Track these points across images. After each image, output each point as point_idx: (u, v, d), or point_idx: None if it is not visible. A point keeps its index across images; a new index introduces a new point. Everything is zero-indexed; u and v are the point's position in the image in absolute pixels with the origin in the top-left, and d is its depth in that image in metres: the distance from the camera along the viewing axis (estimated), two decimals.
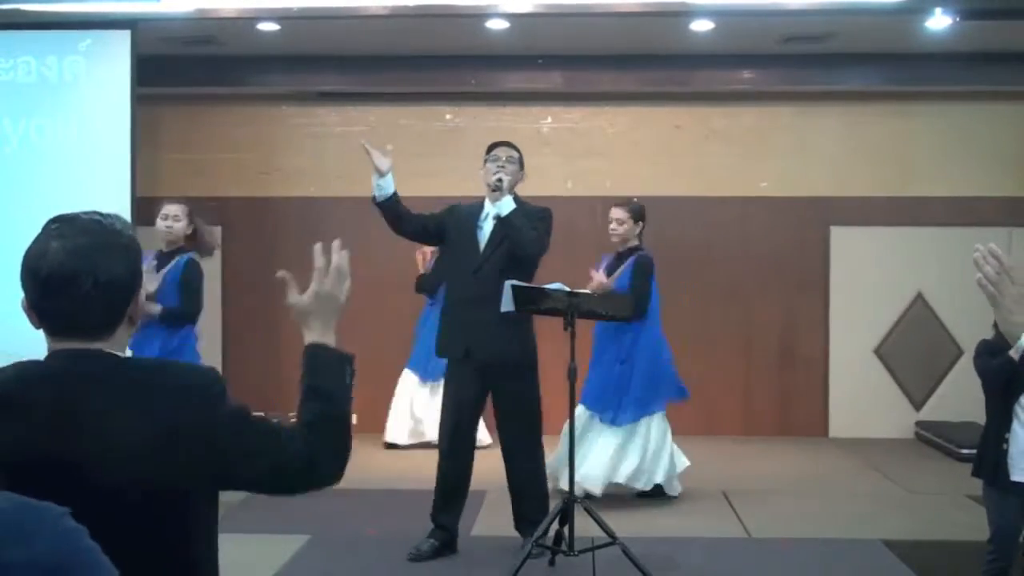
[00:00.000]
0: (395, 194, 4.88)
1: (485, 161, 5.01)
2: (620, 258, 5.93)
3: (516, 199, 4.91)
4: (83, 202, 6.51)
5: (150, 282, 5.32)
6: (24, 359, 1.73)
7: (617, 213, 5.93)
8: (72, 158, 6.74)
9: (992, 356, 3.94)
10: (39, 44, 6.78)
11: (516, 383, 4.91)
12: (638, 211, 5.95)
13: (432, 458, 7.13)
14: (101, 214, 1.75)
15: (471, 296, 4.82)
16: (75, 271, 1.66)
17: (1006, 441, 3.89)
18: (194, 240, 5.60)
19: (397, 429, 7.63)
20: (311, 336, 1.88)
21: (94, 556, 1.14)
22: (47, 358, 1.71)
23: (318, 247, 1.90)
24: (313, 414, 1.81)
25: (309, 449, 1.78)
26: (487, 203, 4.97)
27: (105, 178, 6.72)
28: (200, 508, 1.74)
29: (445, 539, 4.98)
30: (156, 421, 1.65)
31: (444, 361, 5.19)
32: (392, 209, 4.91)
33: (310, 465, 1.78)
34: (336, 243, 1.92)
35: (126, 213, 6.71)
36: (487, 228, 4.92)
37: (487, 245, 4.90)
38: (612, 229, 5.93)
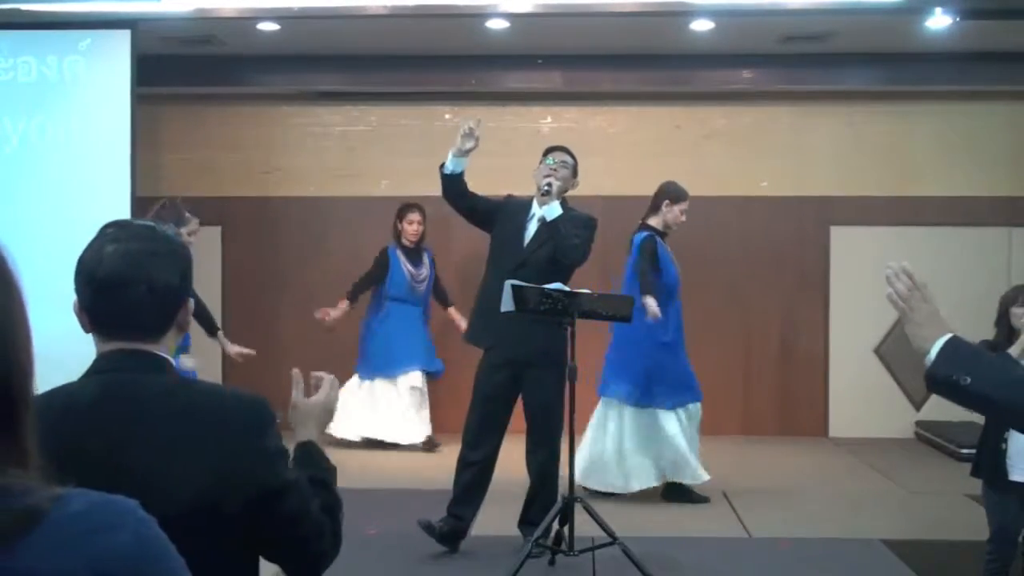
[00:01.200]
0: (463, 172, 5.08)
1: (540, 162, 5.17)
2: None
3: (564, 204, 5.03)
4: (83, 202, 6.52)
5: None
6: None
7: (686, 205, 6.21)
8: (72, 158, 6.74)
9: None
10: (39, 44, 6.78)
11: (539, 381, 4.95)
12: None
13: (433, 457, 7.17)
14: (154, 221, 1.81)
15: None
16: (130, 277, 1.69)
17: (1005, 441, 3.91)
18: None
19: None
20: (306, 435, 1.97)
21: (167, 543, 1.20)
22: (96, 364, 1.74)
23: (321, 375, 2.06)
24: (324, 501, 1.86)
25: (316, 519, 1.82)
26: (535, 203, 5.10)
27: (105, 178, 6.72)
28: (234, 542, 1.72)
29: (455, 528, 4.99)
30: (201, 450, 1.66)
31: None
32: (456, 183, 5.09)
33: (323, 532, 1.82)
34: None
35: (126, 213, 6.71)
36: (532, 228, 5.06)
37: (530, 244, 5.03)
38: (684, 220, 6.21)
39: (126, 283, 1.69)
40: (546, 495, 5.01)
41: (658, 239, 6.08)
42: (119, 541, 1.13)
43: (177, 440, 1.66)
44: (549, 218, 4.94)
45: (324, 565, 1.84)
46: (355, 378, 7.54)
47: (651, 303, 5.70)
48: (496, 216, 5.16)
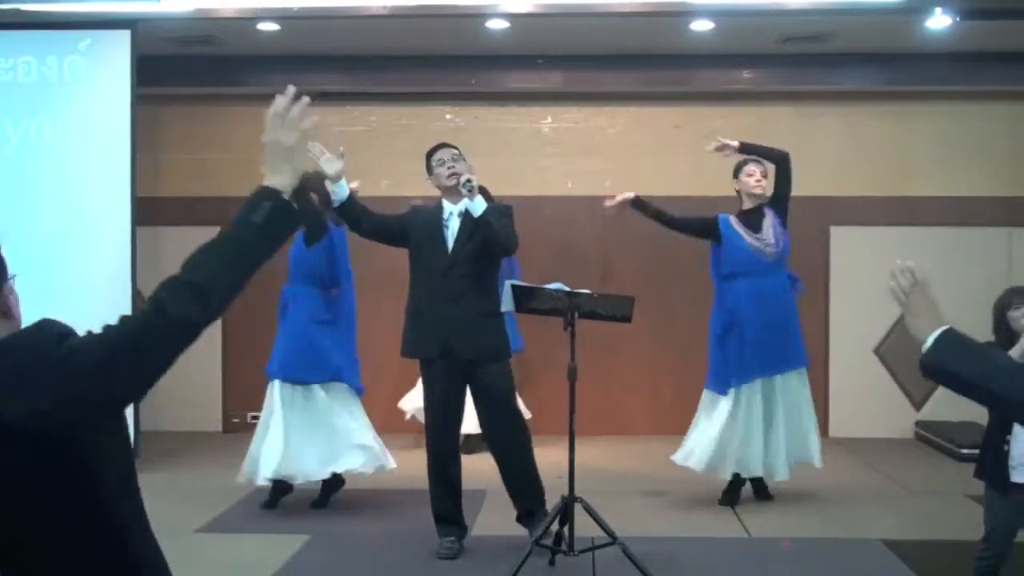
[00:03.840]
0: (351, 196, 4.93)
1: (432, 167, 5.05)
2: (757, 215, 6.12)
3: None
4: (83, 202, 6.53)
5: None
6: None
7: (757, 168, 6.11)
8: (72, 158, 6.75)
9: None
10: (39, 44, 6.79)
11: (494, 375, 4.94)
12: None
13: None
14: None
15: (443, 295, 4.87)
16: None
17: (1007, 443, 3.92)
18: None
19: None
20: (275, 180, 1.88)
21: None
22: None
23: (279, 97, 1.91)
24: (211, 241, 1.80)
25: (184, 277, 1.75)
26: (446, 203, 5.03)
27: (105, 178, 6.73)
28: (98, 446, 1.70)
29: (462, 534, 5.06)
30: (23, 395, 1.63)
31: None
32: (349, 211, 4.97)
33: (177, 290, 1.73)
34: (291, 88, 1.92)
35: (126, 213, 6.73)
36: (453, 226, 4.98)
37: (455, 243, 4.94)
38: (757, 182, 6.10)
39: None
40: (533, 484, 5.01)
41: (726, 218, 6.07)
42: None
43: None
44: (477, 213, 4.81)
45: (207, 311, 1.77)
46: None
47: None
48: (409, 228, 5.05)
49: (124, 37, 6.78)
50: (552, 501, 4.89)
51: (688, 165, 8.35)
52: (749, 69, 8.06)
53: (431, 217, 5.04)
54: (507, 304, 4.69)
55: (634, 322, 4.80)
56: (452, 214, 4.99)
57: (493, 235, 4.82)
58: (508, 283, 4.69)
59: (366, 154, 8.45)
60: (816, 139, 8.37)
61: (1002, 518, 4.03)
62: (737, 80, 8.13)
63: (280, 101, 1.88)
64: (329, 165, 4.85)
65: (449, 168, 4.95)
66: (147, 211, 7.28)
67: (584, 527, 4.54)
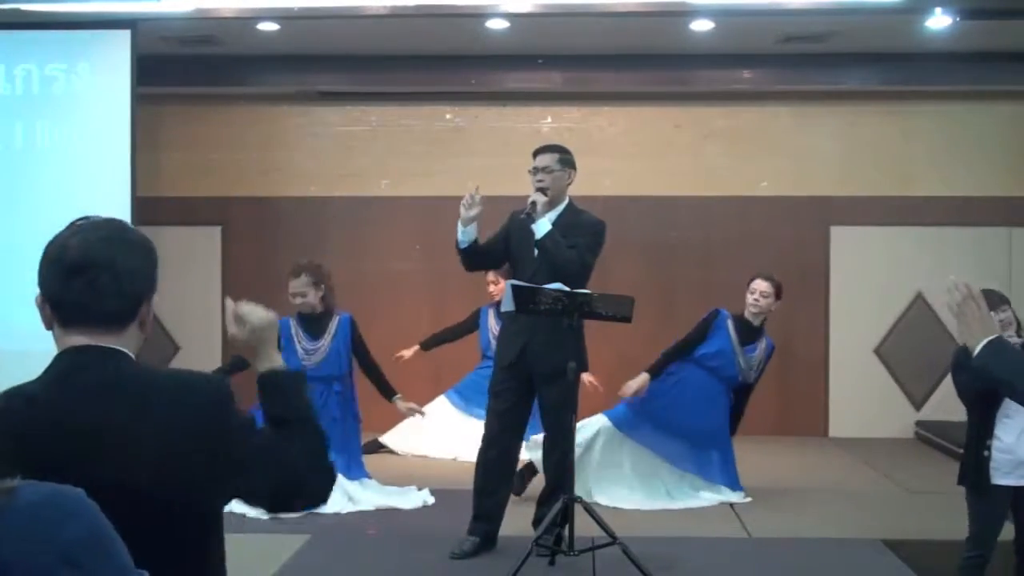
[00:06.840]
0: (476, 239, 4.92)
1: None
2: (752, 331, 6.00)
3: (569, 207, 4.95)
4: (84, 202, 6.52)
5: (314, 353, 5.80)
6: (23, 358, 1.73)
7: (762, 286, 5.93)
8: (73, 158, 6.75)
9: (966, 370, 4.04)
10: (39, 44, 6.79)
11: (555, 392, 4.81)
12: (780, 288, 5.98)
13: (428, 463, 7.19)
14: (120, 220, 1.83)
15: None
16: (94, 259, 1.70)
17: (987, 448, 4.03)
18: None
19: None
20: (262, 365, 1.94)
21: (112, 531, 1.26)
22: (56, 360, 1.71)
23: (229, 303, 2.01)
24: (297, 436, 1.84)
25: (299, 464, 1.81)
26: None
27: (105, 178, 6.72)
28: (208, 519, 1.77)
29: (487, 546, 4.98)
30: (169, 431, 1.67)
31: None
32: (472, 252, 4.95)
33: (300, 480, 1.82)
34: (228, 301, 2.02)
35: (126, 213, 6.72)
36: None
37: (539, 255, 4.91)
38: (755, 300, 5.94)
39: (90, 266, 1.69)
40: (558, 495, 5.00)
41: (725, 317, 6.07)
42: (79, 527, 1.20)
43: (144, 424, 1.66)
44: (538, 236, 4.80)
45: (318, 499, 1.86)
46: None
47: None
48: (509, 240, 5.06)
49: (124, 37, 6.78)
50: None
51: (688, 165, 8.36)
52: (749, 69, 8.06)
53: (524, 223, 4.98)
54: (507, 304, 4.69)
55: (634, 322, 4.78)
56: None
57: (550, 259, 4.79)
58: (508, 283, 4.69)
59: (366, 154, 8.46)
60: (816, 139, 8.37)
61: (985, 520, 4.12)
62: (737, 80, 8.13)
63: (242, 307, 1.98)
64: (468, 209, 4.83)
65: (539, 182, 4.90)
66: (147, 211, 7.28)
67: (584, 527, 4.54)
